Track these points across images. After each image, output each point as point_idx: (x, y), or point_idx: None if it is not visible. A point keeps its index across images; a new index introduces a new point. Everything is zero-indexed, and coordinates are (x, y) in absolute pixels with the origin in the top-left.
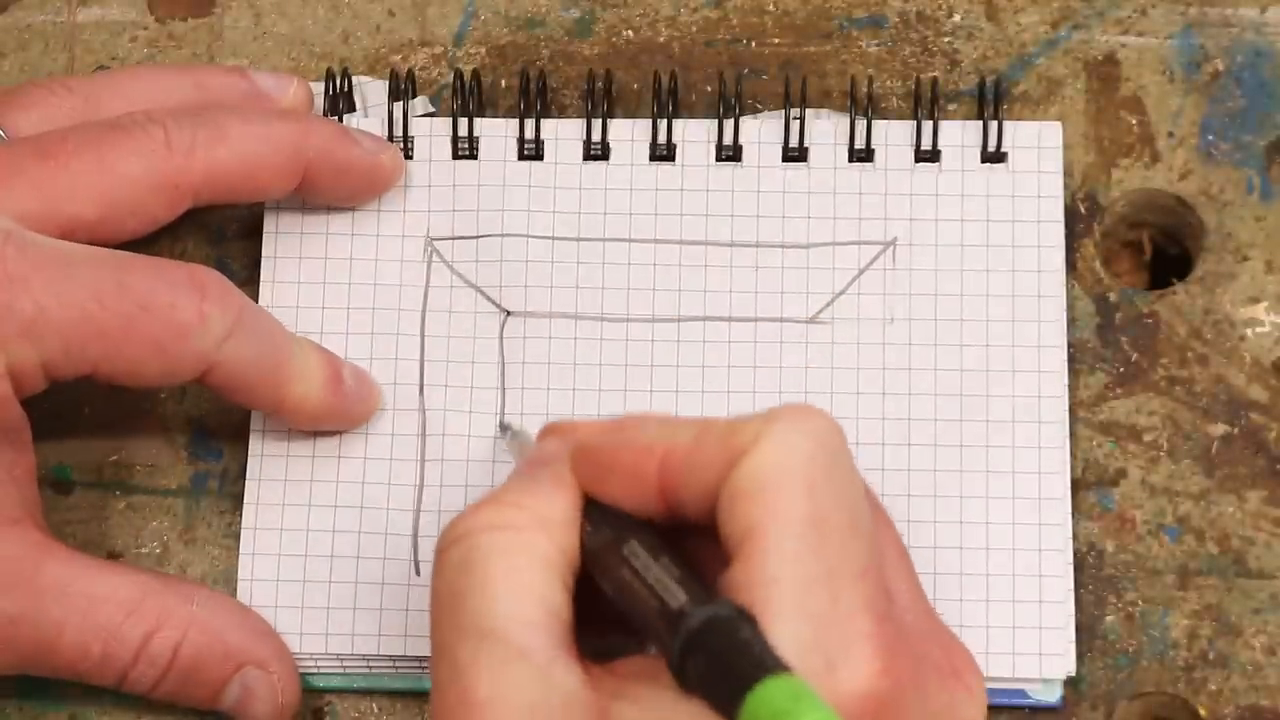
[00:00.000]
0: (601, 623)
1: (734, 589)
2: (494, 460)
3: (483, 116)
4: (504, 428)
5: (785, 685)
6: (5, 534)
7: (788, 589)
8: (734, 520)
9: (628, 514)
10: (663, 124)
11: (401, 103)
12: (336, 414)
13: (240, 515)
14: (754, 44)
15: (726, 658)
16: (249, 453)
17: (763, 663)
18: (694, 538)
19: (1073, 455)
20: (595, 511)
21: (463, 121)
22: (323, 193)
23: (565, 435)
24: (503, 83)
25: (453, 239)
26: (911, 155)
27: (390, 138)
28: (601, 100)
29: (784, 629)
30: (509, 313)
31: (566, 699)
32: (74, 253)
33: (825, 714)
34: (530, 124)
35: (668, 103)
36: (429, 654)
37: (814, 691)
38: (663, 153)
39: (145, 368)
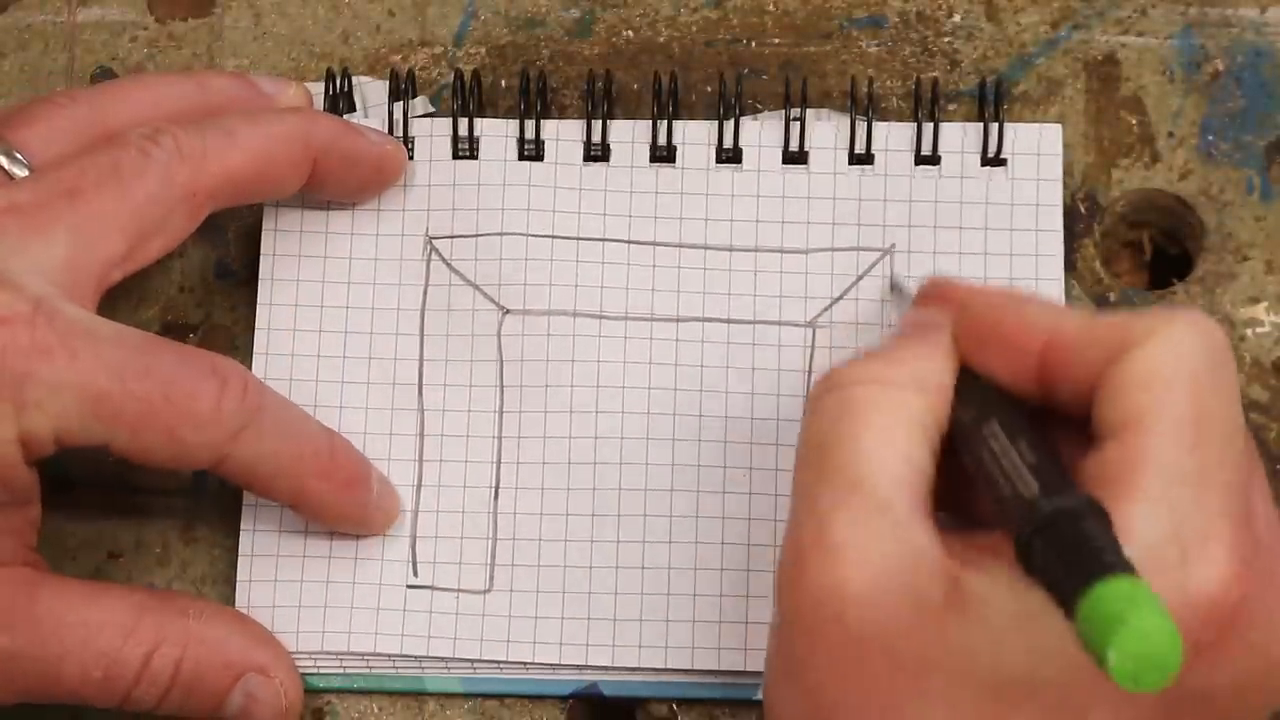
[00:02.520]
0: (959, 491)
1: (1103, 468)
2: (493, 461)
3: (483, 116)
4: (894, 287)
5: (1125, 587)
6: None
7: (1158, 476)
8: (1115, 408)
9: (997, 389)
10: (663, 125)
11: (401, 103)
12: (354, 518)
13: (240, 515)
14: (754, 44)
15: (1070, 552)
16: None
17: (1106, 561)
18: (1058, 423)
19: None
20: (967, 383)
21: (463, 121)
22: (333, 185)
23: (949, 298)
24: (503, 83)
25: (451, 238)
26: (911, 159)
27: None
28: (601, 101)
29: (1146, 514)
30: (507, 310)
31: (920, 556)
32: (102, 329)
33: (1160, 620)
34: (530, 124)
35: (668, 103)
36: (427, 654)
37: (1153, 597)
38: (663, 154)
39: (157, 451)
